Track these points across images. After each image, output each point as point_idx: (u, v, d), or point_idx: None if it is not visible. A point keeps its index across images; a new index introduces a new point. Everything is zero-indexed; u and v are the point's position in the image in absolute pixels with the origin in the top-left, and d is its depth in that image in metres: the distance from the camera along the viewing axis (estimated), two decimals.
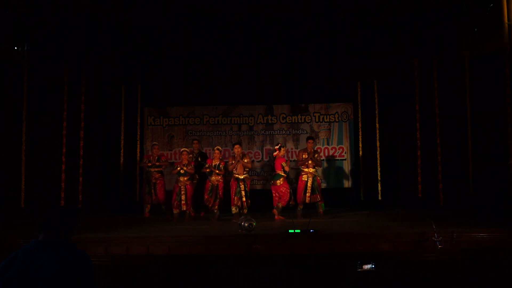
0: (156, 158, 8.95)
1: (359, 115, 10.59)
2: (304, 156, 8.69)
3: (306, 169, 8.67)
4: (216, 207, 8.26)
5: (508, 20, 7.74)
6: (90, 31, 8.59)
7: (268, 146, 10.76)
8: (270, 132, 10.79)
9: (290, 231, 6.25)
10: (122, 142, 10.46)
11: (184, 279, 5.16)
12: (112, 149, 10.36)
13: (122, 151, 10.42)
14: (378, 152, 10.39)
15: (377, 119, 10.48)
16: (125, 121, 10.59)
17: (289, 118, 10.79)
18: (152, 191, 8.81)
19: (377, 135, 10.45)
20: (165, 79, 10.48)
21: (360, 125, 10.56)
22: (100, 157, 10.08)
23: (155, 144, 9.25)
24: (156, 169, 8.89)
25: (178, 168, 8.37)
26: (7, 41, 8.68)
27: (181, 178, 8.35)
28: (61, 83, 9.28)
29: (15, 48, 8.81)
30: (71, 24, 8.39)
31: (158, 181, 8.87)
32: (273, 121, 10.80)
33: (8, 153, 8.59)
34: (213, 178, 8.32)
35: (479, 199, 8.08)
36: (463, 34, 8.52)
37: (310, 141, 8.84)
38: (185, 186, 8.32)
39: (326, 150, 10.64)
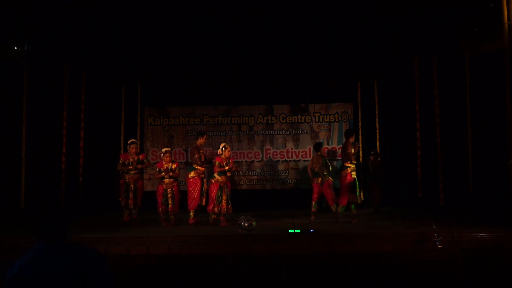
0: (137, 159, 8.00)
1: (359, 115, 10.59)
2: (352, 150, 7.90)
3: (351, 165, 7.86)
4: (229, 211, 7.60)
5: (508, 20, 7.73)
6: (90, 31, 8.59)
7: (268, 146, 10.76)
8: (270, 132, 10.79)
9: (290, 231, 6.25)
10: (122, 142, 10.45)
11: (184, 279, 5.16)
12: (112, 149, 10.36)
13: (122, 151, 10.41)
14: (378, 152, 10.38)
15: (377, 119, 10.48)
16: (125, 121, 10.59)
17: (289, 118, 10.79)
18: (131, 194, 7.85)
19: (377, 135, 10.46)
20: (165, 79, 10.48)
21: (360, 125, 10.56)
22: (100, 157, 10.08)
23: (133, 142, 8.21)
24: (135, 171, 8.01)
25: (163, 173, 7.71)
26: (7, 41, 8.67)
27: (167, 180, 7.71)
28: (61, 83, 9.28)
29: (15, 48, 8.81)
30: (71, 24, 8.39)
31: (138, 182, 8.00)
32: (273, 121, 10.80)
33: (8, 153, 8.59)
34: (223, 178, 7.56)
35: (479, 199, 8.08)
36: (463, 34, 8.52)
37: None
38: (172, 188, 7.70)
39: (326, 150, 10.63)
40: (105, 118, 10.30)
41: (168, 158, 7.80)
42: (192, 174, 7.74)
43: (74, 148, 9.47)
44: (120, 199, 8.05)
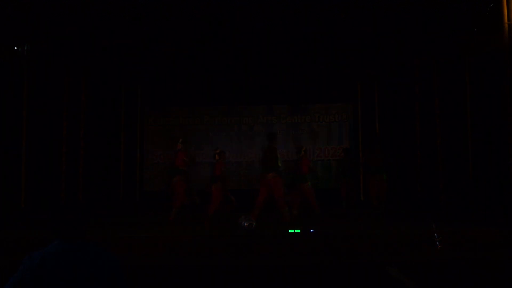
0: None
1: (359, 115, 10.60)
2: None
3: None
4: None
5: (508, 20, 7.72)
6: (90, 31, 8.58)
7: None
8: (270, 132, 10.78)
9: (290, 231, 6.25)
10: (122, 142, 10.45)
11: (184, 279, 5.16)
12: (112, 149, 10.36)
13: (122, 151, 10.41)
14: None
15: (377, 119, 10.48)
16: (125, 122, 10.59)
17: (289, 118, 10.79)
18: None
19: (377, 135, 10.46)
20: (165, 80, 10.48)
21: (360, 125, 10.56)
22: (100, 157, 10.08)
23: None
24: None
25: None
26: (7, 41, 8.67)
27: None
28: (61, 83, 9.28)
29: (15, 48, 8.80)
30: (71, 24, 8.38)
31: None
32: (273, 121, 10.80)
33: (9, 153, 8.58)
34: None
35: (479, 199, 8.08)
36: (463, 34, 8.52)
37: None
38: None
39: (326, 150, 10.64)
40: (105, 118, 10.30)
41: None
42: (273, 174, 7.78)
43: (74, 148, 9.47)
44: (182, 199, 8.12)
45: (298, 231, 6.22)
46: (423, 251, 5.75)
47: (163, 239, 6.27)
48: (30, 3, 7.80)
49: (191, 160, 8.58)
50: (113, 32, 8.64)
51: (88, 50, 9.11)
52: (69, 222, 2.17)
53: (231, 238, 6.26)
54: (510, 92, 7.78)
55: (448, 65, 8.89)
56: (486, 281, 5.11)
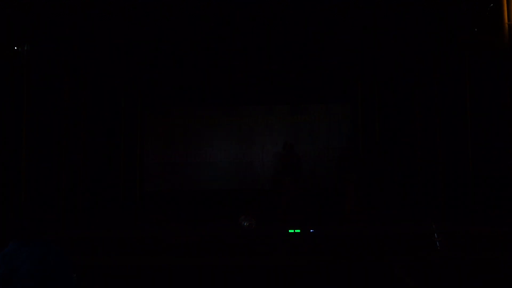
0: None
1: (359, 115, 10.60)
2: None
3: None
4: None
5: (508, 20, 7.72)
6: (90, 31, 8.59)
7: (268, 146, 10.75)
8: (270, 132, 10.78)
9: (290, 231, 6.25)
10: (122, 142, 10.45)
11: (184, 278, 5.16)
12: (112, 149, 10.36)
13: (122, 151, 10.41)
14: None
15: (377, 119, 10.48)
16: (125, 121, 10.59)
17: (289, 118, 10.79)
18: None
19: (377, 135, 10.46)
20: (165, 79, 10.48)
21: (360, 125, 10.57)
22: (100, 157, 10.08)
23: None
24: None
25: None
26: (7, 41, 8.66)
27: None
28: (61, 83, 9.28)
29: (15, 48, 8.80)
30: (71, 24, 8.39)
31: None
32: (273, 121, 10.80)
33: (8, 153, 8.58)
34: None
35: (479, 198, 8.08)
36: (463, 34, 8.52)
37: None
38: None
39: (326, 150, 10.63)
40: (105, 119, 10.30)
41: None
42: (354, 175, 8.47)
43: (74, 148, 9.46)
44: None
45: (298, 231, 6.22)
46: (423, 251, 5.75)
47: (163, 239, 6.27)
48: (30, 3, 7.80)
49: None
50: (113, 32, 8.64)
51: (88, 50, 9.11)
52: (23, 224, 2.21)
53: (231, 238, 6.26)
54: (510, 92, 7.78)
55: (448, 65, 8.89)
56: (486, 281, 5.12)
